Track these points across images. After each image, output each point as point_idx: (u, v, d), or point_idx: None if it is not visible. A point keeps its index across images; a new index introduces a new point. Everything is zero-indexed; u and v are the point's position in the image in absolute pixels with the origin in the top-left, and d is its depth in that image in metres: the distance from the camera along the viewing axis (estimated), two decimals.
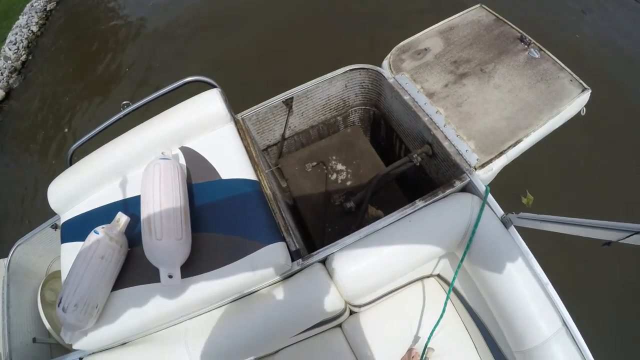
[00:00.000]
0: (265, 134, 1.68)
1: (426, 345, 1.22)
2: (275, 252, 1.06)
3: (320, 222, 1.52)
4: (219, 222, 1.13)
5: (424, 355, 1.24)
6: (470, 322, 1.34)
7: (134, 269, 1.09)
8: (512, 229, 1.17)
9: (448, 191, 1.19)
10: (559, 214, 0.89)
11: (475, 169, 1.23)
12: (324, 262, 1.16)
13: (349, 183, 1.63)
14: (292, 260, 1.12)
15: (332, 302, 1.10)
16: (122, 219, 1.11)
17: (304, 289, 1.09)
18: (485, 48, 1.55)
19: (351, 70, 1.57)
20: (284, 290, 1.10)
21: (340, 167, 1.68)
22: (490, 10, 1.67)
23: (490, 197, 1.18)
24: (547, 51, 1.50)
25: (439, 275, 1.47)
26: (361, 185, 1.61)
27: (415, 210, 1.15)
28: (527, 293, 1.02)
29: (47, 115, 3.71)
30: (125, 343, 1.14)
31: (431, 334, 1.19)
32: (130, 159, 1.27)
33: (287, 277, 1.16)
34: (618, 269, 2.04)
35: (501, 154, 1.27)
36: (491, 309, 1.16)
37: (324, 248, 1.14)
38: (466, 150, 1.26)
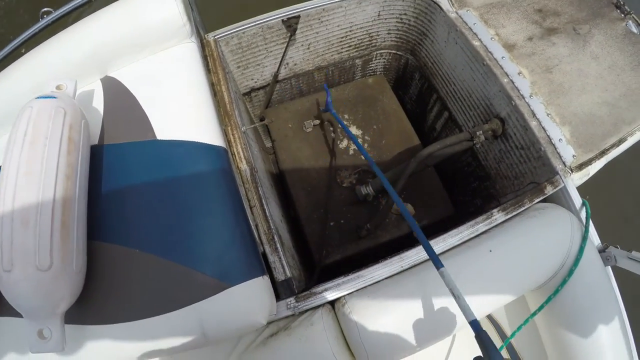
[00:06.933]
0: (250, 69, 1.08)
1: None
2: (249, 297, 0.56)
3: (318, 210, 1.00)
4: (144, 230, 0.62)
5: None
6: None
7: None
8: (609, 270, 0.77)
9: (536, 200, 0.74)
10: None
11: (572, 171, 0.80)
12: (332, 303, 0.66)
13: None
14: (279, 297, 0.61)
15: None
16: None
17: (295, 355, 0.58)
18: (576, 3, 1.11)
19: None
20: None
21: (354, 130, 1.14)
22: None
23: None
24: None
25: None
26: (383, 161, 1.11)
27: (491, 228, 0.69)
28: None
29: None
30: None
31: None
32: (20, 98, 0.71)
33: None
34: None
35: (602, 153, 0.86)
36: None
37: (335, 281, 0.64)
38: (560, 140, 0.82)
